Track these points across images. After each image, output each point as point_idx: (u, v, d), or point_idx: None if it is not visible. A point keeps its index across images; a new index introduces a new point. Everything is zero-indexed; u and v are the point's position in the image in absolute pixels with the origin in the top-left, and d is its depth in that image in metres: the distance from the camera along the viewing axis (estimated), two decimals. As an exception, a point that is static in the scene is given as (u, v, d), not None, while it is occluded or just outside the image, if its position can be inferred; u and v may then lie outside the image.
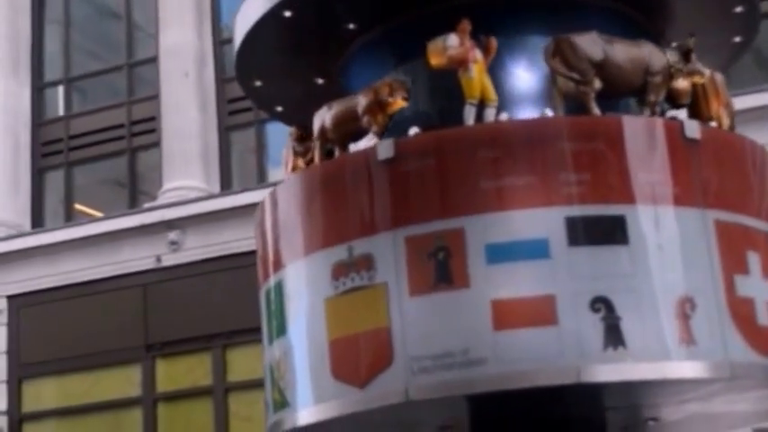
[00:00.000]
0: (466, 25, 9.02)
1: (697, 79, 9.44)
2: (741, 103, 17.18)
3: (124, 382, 20.97)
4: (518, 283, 8.05)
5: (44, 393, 21.85)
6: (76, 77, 24.42)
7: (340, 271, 8.60)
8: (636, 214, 8.31)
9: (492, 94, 8.99)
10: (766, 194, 9.16)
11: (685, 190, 8.52)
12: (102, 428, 21.26)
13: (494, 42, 9.09)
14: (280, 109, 10.77)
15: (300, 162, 10.33)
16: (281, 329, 9.16)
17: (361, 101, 9.30)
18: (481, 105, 8.91)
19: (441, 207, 8.34)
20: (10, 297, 22.13)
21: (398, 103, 9.18)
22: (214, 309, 19.83)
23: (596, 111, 8.82)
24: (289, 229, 9.26)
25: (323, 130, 9.60)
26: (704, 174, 8.64)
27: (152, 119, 22.58)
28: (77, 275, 21.50)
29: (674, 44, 9.79)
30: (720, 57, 10.78)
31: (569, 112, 8.87)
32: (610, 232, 8.21)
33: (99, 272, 21.29)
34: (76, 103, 24.53)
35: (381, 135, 9.10)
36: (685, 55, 9.42)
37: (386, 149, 8.60)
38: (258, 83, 10.88)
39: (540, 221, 8.19)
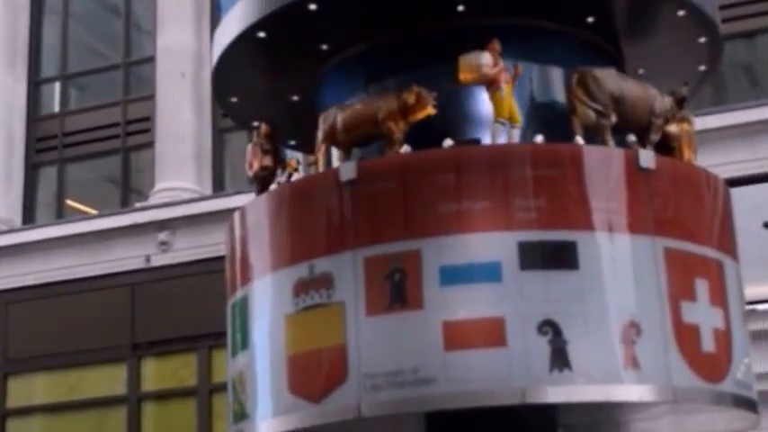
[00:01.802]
0: (496, 45, 9.36)
1: (685, 126, 9.94)
2: (731, 118, 17.80)
3: (110, 380, 21.26)
4: (469, 304, 8.42)
5: (30, 389, 22.12)
6: (73, 74, 24.73)
7: (301, 288, 8.98)
8: (587, 240, 8.69)
9: (518, 116, 9.35)
10: (719, 224, 9.54)
11: (637, 218, 8.89)
12: (86, 426, 21.54)
13: (520, 69, 9.46)
14: (256, 124, 11.15)
15: (268, 160, 10.52)
16: (244, 343, 9.55)
17: (384, 106, 9.38)
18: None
19: (400, 229, 8.70)
20: (-1, 292, 22.45)
21: (427, 110, 9.32)
22: (201, 310, 20.08)
23: (611, 143, 9.26)
24: (255, 244, 9.65)
25: (332, 131, 9.61)
26: (657, 202, 9.02)
27: (147, 119, 22.87)
28: (67, 272, 21.78)
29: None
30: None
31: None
32: (560, 257, 8.58)
33: (89, 270, 21.58)
34: (72, 99, 24.84)
35: (402, 143, 9.27)
36: (679, 102, 9.95)
37: (349, 171, 8.99)
38: (234, 99, 11.26)
39: (494, 245, 8.57)
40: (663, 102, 9.77)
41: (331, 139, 9.67)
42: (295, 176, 10.18)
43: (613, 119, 9.40)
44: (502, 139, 9.23)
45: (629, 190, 8.97)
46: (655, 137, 9.66)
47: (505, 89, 9.33)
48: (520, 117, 9.36)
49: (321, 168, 9.53)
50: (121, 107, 23.44)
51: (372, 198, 8.92)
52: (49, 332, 21.66)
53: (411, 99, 9.30)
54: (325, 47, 10.31)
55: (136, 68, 23.93)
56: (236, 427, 9.49)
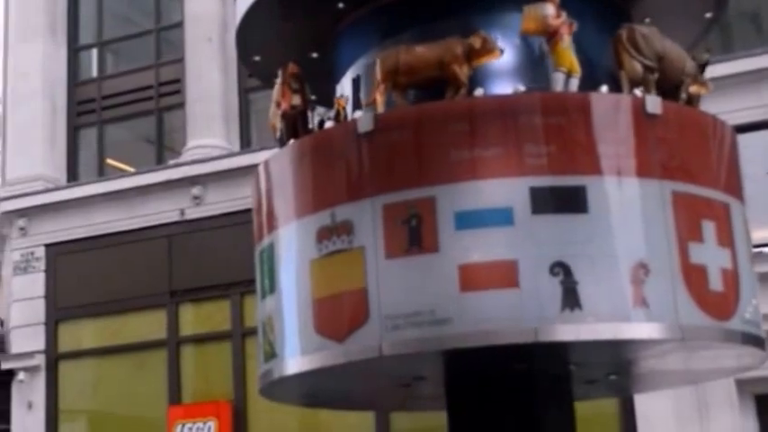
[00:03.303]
0: None
1: (703, 90, 9.61)
2: (738, 66, 17.39)
3: (150, 325, 21.26)
4: (483, 248, 8.13)
5: (78, 334, 22.18)
6: (109, 41, 24.55)
7: (324, 234, 8.72)
8: (596, 185, 8.35)
9: (577, 67, 8.93)
10: (726, 167, 9.19)
11: (645, 162, 8.55)
12: (130, 367, 21.62)
13: (575, 25, 9.05)
14: (277, 80, 10.83)
15: (296, 99, 9.95)
16: (272, 287, 9.32)
17: (448, 49, 8.91)
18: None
19: (415, 177, 8.42)
20: (47, 246, 22.42)
21: (493, 54, 8.94)
22: (233, 259, 20.01)
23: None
24: (280, 195, 9.38)
25: (392, 73, 9.05)
26: (664, 147, 8.67)
27: (177, 81, 22.73)
28: (108, 226, 21.77)
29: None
30: (691, 33, 10.75)
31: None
32: (571, 202, 8.26)
33: (128, 223, 21.56)
34: (109, 65, 24.65)
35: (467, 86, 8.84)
36: (701, 66, 9.65)
37: (366, 122, 8.69)
38: (257, 58, 10.95)
39: (506, 191, 8.26)
40: (691, 63, 9.50)
41: (390, 80, 9.09)
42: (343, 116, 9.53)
43: (656, 75, 9.12)
44: (558, 88, 8.86)
45: (637, 135, 8.61)
46: (684, 95, 9.38)
47: (566, 40, 8.96)
48: (578, 68, 8.97)
49: (381, 109, 9.06)
50: (154, 71, 23.27)
51: (389, 148, 8.63)
52: (94, 282, 21.69)
53: (477, 43, 8.89)
54: (341, 5, 9.95)
55: (166, 34, 23.74)
56: (267, 366, 9.29)
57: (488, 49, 8.93)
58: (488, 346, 8.01)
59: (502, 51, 8.97)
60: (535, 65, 9.29)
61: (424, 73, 9.01)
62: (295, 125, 9.83)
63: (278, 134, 10.14)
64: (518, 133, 8.47)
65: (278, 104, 10.05)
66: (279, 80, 10.14)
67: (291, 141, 9.70)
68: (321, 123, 9.77)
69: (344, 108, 9.52)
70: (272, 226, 9.44)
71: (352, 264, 8.49)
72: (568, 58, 8.94)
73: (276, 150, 9.85)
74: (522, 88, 8.91)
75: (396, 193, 8.44)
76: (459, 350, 8.17)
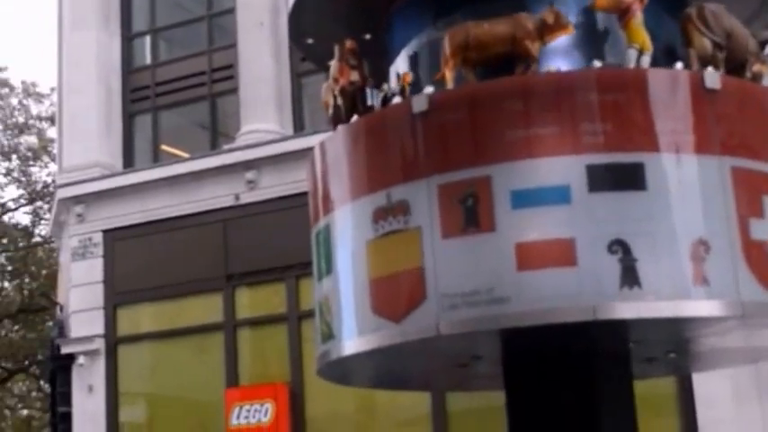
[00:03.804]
0: None
1: (765, 68, 9.52)
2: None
3: (207, 309, 21.41)
4: (540, 226, 8.08)
5: (136, 319, 22.40)
6: (162, 28, 24.70)
7: (379, 215, 8.71)
8: (655, 161, 8.25)
9: (649, 44, 8.84)
10: (786, 142, 9.05)
11: (703, 138, 8.43)
12: (188, 351, 21.82)
13: (646, 0, 9.00)
14: (330, 63, 10.82)
15: (355, 75, 9.88)
16: (329, 268, 9.33)
17: (521, 24, 8.81)
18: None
19: (470, 156, 8.37)
20: (105, 231, 22.65)
21: (566, 30, 8.86)
22: (288, 242, 20.10)
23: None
24: (335, 176, 9.38)
25: (462, 48, 8.93)
26: (723, 122, 8.55)
27: (230, 66, 22.81)
28: (164, 211, 21.94)
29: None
30: (746, 10, 10.57)
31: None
32: (629, 179, 8.17)
33: (183, 208, 21.71)
34: (162, 51, 24.81)
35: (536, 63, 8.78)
36: (761, 44, 9.60)
37: (420, 103, 8.65)
38: (310, 41, 10.94)
39: (563, 169, 8.19)
40: (754, 42, 9.43)
41: (460, 55, 8.98)
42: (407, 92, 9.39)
43: (724, 53, 9.04)
44: (631, 64, 8.74)
45: (695, 111, 8.49)
46: (749, 75, 9.28)
47: (639, 17, 8.87)
48: (650, 44, 8.87)
49: (450, 85, 9.00)
50: (207, 56, 23.38)
51: (444, 128, 8.59)
52: (151, 267, 21.88)
53: (550, 19, 8.79)
54: (394, -15, 9.93)
55: (218, 20, 23.84)
56: (324, 347, 9.31)
57: (561, 24, 8.85)
58: (546, 325, 7.96)
59: (573, 28, 8.89)
60: (595, 41, 9.21)
61: (495, 48, 8.91)
62: (354, 101, 9.79)
63: (330, 111, 10.13)
64: (574, 111, 8.39)
65: (336, 81, 10.01)
66: (336, 57, 10.10)
67: (345, 124, 9.69)
68: (385, 100, 9.67)
69: (410, 84, 9.41)
70: (327, 208, 9.44)
71: (408, 244, 8.47)
72: (641, 35, 8.85)
73: (331, 132, 9.84)
74: (597, 63, 8.82)
75: (451, 172, 8.40)
76: (517, 329, 8.12)
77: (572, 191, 8.10)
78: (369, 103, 9.92)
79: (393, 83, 9.81)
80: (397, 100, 9.28)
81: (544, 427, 8.94)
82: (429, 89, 8.92)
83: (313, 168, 9.88)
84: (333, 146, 9.51)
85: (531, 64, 8.78)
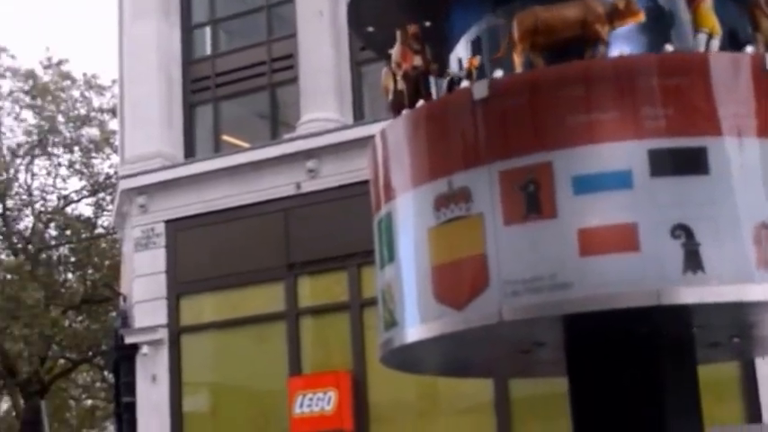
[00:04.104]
0: None
1: None
2: None
3: (269, 298, 21.63)
4: (602, 212, 8.17)
5: (199, 308, 22.69)
6: (221, 18, 24.95)
7: (441, 202, 8.85)
8: (717, 145, 8.31)
9: (719, 28, 8.92)
10: None
11: (766, 122, 8.47)
12: (251, 340, 22.06)
13: None
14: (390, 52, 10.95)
15: (417, 60, 10.00)
16: (391, 256, 9.47)
17: (593, 9, 8.89)
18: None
19: (531, 142, 8.47)
20: (167, 222, 22.93)
21: (637, 17, 8.92)
22: (349, 231, 20.26)
23: None
24: (396, 164, 9.51)
25: (531, 33, 9.02)
26: (786, 105, 8.56)
27: (290, 56, 22.99)
28: (226, 201, 22.18)
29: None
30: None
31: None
32: (691, 163, 8.23)
33: (245, 198, 21.93)
34: (222, 42, 25.07)
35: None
36: None
37: (481, 89, 8.77)
38: (370, 29, 11.07)
39: (624, 154, 8.26)
40: None
41: (528, 40, 9.07)
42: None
43: None
44: (701, 48, 8.84)
45: (757, 94, 8.52)
46: None
47: (708, 1, 8.95)
48: (719, 28, 8.92)
49: (519, 69, 9.12)
50: (266, 47, 23.58)
51: (504, 114, 8.70)
52: (213, 256, 22.16)
53: (621, 4, 8.88)
54: (453, -28, 10.03)
55: (277, 10, 24.00)
56: (387, 335, 9.46)
57: (632, 11, 8.93)
58: (610, 310, 8.05)
59: (644, 14, 8.94)
60: (662, 26, 9.25)
61: (564, 33, 8.98)
62: (417, 86, 9.90)
63: (390, 96, 10.25)
64: (635, 96, 8.45)
65: (398, 65, 10.14)
66: (398, 41, 10.22)
67: (405, 112, 9.81)
68: (451, 84, 9.74)
69: (477, 68, 9.46)
70: (389, 195, 9.57)
71: (470, 231, 8.59)
72: (711, 19, 8.92)
73: (391, 120, 9.97)
74: (669, 48, 8.85)
75: (512, 159, 8.51)
76: (580, 315, 8.22)
77: (634, 176, 8.18)
78: (431, 88, 10.02)
79: (457, 68, 9.90)
80: (464, 84, 9.36)
81: (608, 413, 9.01)
82: (498, 73, 9.00)
83: (374, 156, 10.01)
84: (393, 133, 9.65)
85: (601, 48, 8.83)
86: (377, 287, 9.89)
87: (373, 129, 19.65)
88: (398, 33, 10.21)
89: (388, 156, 9.74)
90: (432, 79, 10.11)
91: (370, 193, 10.10)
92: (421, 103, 9.63)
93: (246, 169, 21.97)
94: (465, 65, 9.68)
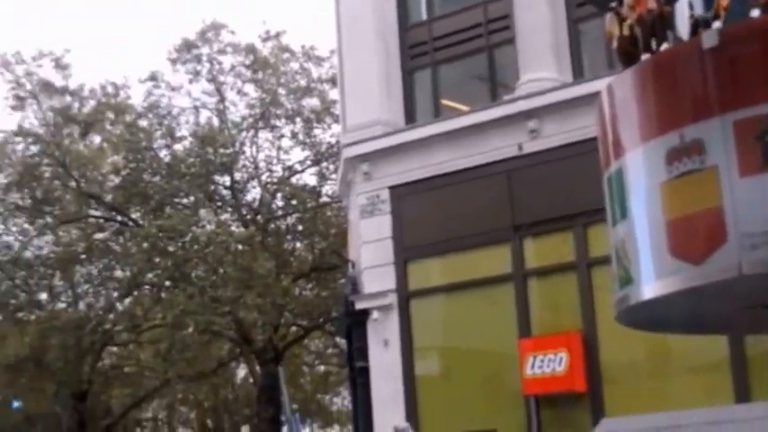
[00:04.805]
0: None
1: None
2: None
3: (495, 260, 21.81)
4: None
5: (426, 273, 23.08)
6: (436, -17, 25.18)
7: (673, 156, 8.82)
8: None
9: None
10: None
11: None
12: (479, 303, 22.29)
13: None
14: (613, 5, 10.91)
15: (652, 3, 9.83)
16: (623, 212, 9.50)
17: None
18: None
19: (765, 91, 8.32)
20: (391, 188, 23.39)
21: None
22: (573, 190, 20.28)
23: None
24: (625, 119, 9.52)
25: None
26: None
27: (506, 17, 23.00)
28: (448, 165, 22.46)
29: None
30: None
31: None
32: None
33: (467, 161, 22.15)
34: (437, 6, 25.26)
35: None
36: None
37: (710, 38, 8.67)
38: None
39: None
40: None
41: None
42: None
43: None
44: None
45: None
46: None
47: None
48: None
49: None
50: (482, 8, 23.66)
51: (735, 63, 8.59)
52: (438, 221, 22.51)
53: None
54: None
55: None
56: (622, 292, 9.51)
57: None
58: None
59: None
60: None
61: None
62: (653, 30, 9.79)
63: (615, 43, 10.18)
64: None
65: (632, 8, 10.04)
66: None
67: (631, 66, 9.76)
68: (695, 25, 9.55)
69: (725, 9, 9.29)
70: (618, 152, 9.60)
71: (705, 184, 8.54)
72: None
73: (617, 75, 9.95)
74: None
75: (746, 108, 8.40)
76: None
77: None
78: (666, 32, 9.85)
79: (700, 9, 9.67)
80: (715, 25, 9.16)
81: None
82: (755, 12, 8.76)
83: (601, 113, 10.04)
84: (620, 88, 9.65)
85: None
86: (610, 244, 9.95)
87: (594, 86, 19.53)
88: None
89: (615, 112, 9.76)
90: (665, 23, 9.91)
91: (599, 150, 10.14)
92: (655, 47, 9.51)
93: (467, 132, 22.18)
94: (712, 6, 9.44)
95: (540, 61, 21.91)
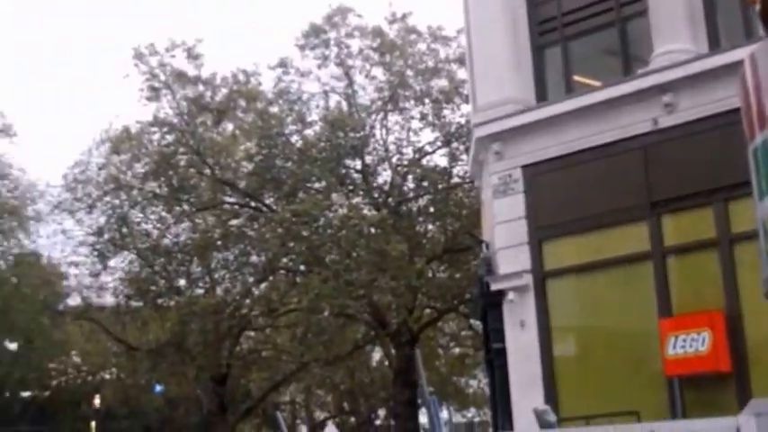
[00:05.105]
0: None
1: None
2: None
3: (632, 238, 21.39)
4: None
5: (561, 252, 22.80)
6: (564, -44, 24.77)
7: (823, 125, 8.46)
8: None
9: None
10: None
11: None
12: (615, 282, 21.94)
13: None
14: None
15: None
16: (770, 186, 9.16)
17: None
18: None
19: None
20: (523, 167, 23.17)
21: None
22: (712, 165, 19.76)
23: None
24: (769, 89, 9.16)
25: None
26: None
27: (637, -13, 22.52)
28: (581, 143, 22.12)
29: None
30: None
31: None
32: None
33: (600, 138, 21.77)
34: (566, -19, 24.88)
35: None
36: None
37: None
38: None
39: None
40: None
41: None
42: None
43: None
44: None
45: None
46: None
47: None
48: None
49: None
50: (612, -19, 23.16)
51: None
52: (572, 199, 22.22)
53: None
54: None
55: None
56: (772, 269, 9.17)
57: None
58: None
59: None
60: None
61: None
62: None
63: (758, 6, 9.78)
64: None
65: None
66: None
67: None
68: None
69: None
70: (763, 123, 9.26)
71: None
72: None
73: (760, 43, 9.57)
74: None
75: None
76: None
77: None
78: None
79: None
80: None
81: None
82: None
83: (743, 83, 9.69)
84: (764, 57, 9.28)
85: None
86: (756, 219, 9.60)
87: (731, 56, 19.05)
88: None
89: (758, 81, 9.40)
90: None
91: (742, 123, 9.79)
92: None
93: (601, 108, 21.80)
94: None
95: (673, 32, 21.37)
